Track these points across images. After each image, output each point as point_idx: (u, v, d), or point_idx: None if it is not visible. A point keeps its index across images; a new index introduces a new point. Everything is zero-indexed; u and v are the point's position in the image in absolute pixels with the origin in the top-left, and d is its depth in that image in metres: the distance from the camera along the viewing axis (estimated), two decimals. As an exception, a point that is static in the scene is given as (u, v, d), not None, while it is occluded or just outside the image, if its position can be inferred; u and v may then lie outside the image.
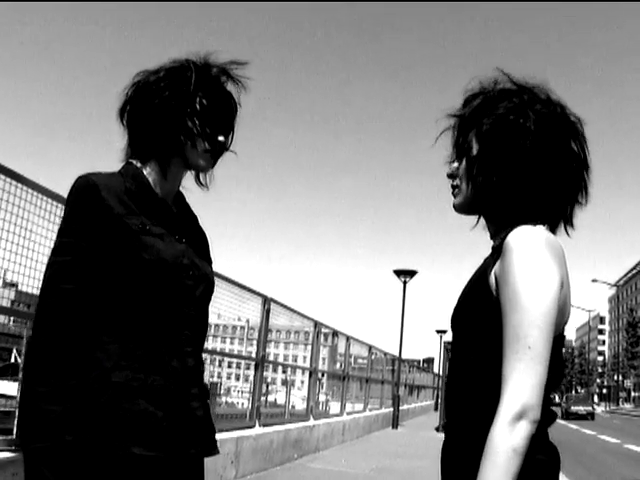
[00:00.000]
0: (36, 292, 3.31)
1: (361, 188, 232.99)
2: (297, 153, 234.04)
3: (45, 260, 1.59)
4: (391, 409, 19.25)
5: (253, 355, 8.46)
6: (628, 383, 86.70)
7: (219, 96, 1.64)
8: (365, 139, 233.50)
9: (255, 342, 8.43)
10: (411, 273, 21.98)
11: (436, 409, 30.96)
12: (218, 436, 1.66)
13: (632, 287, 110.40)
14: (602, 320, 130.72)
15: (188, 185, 1.73)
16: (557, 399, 48.51)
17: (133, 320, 1.50)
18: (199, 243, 1.71)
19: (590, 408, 37.42)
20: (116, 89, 1.66)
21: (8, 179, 3.68)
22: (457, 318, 1.36)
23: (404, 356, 22.52)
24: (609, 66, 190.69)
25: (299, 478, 7.86)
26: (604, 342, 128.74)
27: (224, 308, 7.11)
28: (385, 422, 18.51)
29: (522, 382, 1.12)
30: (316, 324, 11.13)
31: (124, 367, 1.47)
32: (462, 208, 1.41)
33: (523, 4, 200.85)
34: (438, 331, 44.70)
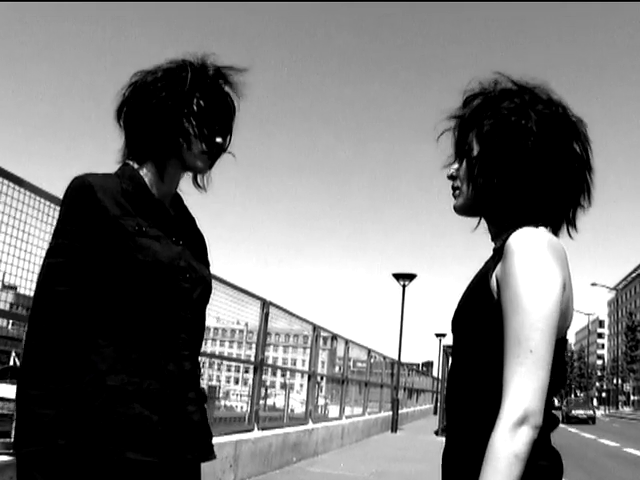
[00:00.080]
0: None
1: (360, 190, 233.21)
2: (296, 155, 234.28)
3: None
4: (390, 413, 19.23)
5: (252, 358, 8.45)
6: (627, 387, 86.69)
7: (217, 97, 1.63)
8: (365, 141, 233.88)
9: (254, 345, 8.42)
10: (410, 277, 22.01)
11: (435, 413, 30.93)
12: (216, 440, 1.64)
13: (631, 291, 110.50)
14: (601, 324, 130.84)
15: (186, 188, 1.72)
16: (557, 403, 48.47)
17: (129, 323, 1.48)
18: (197, 245, 1.69)
19: (591, 412, 37.11)
20: (115, 90, 1.65)
21: (7, 182, 3.68)
22: (458, 321, 1.34)
23: (403, 360, 22.54)
24: (609, 67, 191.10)
25: (298, 482, 7.83)
26: (603, 346, 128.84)
27: (223, 311, 7.11)
28: (384, 426, 18.49)
29: (524, 387, 1.11)
30: (315, 328, 11.13)
31: (119, 370, 1.45)
32: (463, 210, 1.39)
33: (523, 4, 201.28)
34: (437, 335, 44.76)
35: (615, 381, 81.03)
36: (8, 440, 3.57)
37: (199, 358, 1.67)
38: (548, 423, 1.17)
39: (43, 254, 1.50)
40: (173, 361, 1.52)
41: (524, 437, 1.09)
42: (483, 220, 1.41)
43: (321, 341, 11.76)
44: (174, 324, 1.53)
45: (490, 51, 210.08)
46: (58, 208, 3.68)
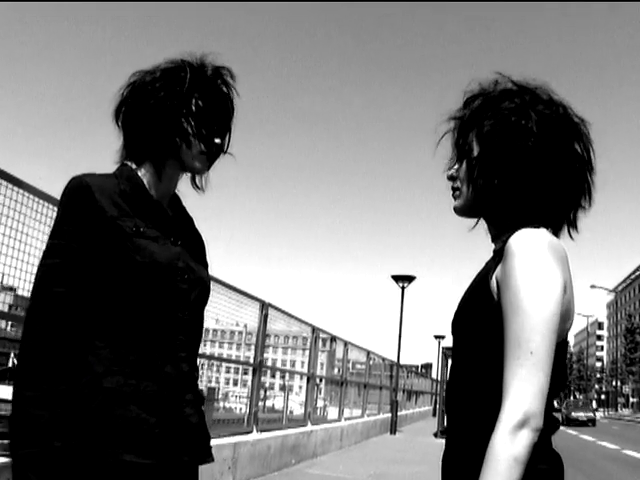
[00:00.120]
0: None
1: (360, 192, 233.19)
2: (295, 156, 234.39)
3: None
4: (389, 414, 19.22)
5: (251, 360, 8.45)
6: (626, 389, 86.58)
7: (215, 97, 1.62)
8: (364, 142, 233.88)
9: (253, 347, 8.41)
10: (409, 279, 22.01)
11: (434, 415, 30.91)
12: (215, 442, 1.64)
13: (630, 293, 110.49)
14: (600, 326, 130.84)
15: (184, 190, 1.71)
16: (556, 405, 48.39)
17: (126, 324, 1.47)
18: (195, 246, 1.68)
19: (591, 414, 36.75)
20: (114, 91, 1.64)
21: (6, 183, 3.68)
22: (458, 323, 1.33)
23: (402, 361, 22.55)
24: (609, 67, 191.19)
25: (297, 484, 7.82)
26: (602, 348, 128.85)
27: (222, 313, 7.12)
28: (383, 428, 18.47)
29: (524, 389, 1.10)
30: (314, 329, 11.13)
31: (115, 372, 1.44)
32: (463, 211, 1.39)
33: (523, 4, 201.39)
34: (436, 336, 44.76)
35: (614, 383, 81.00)
36: (7, 441, 3.56)
37: (197, 360, 1.66)
38: (549, 426, 1.17)
39: (42, 255, 1.49)
40: (170, 363, 1.51)
41: (524, 440, 1.08)
42: (482, 221, 1.40)
43: (320, 343, 11.76)
44: (172, 325, 1.52)
45: (490, 51, 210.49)
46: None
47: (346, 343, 13.94)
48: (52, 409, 1.37)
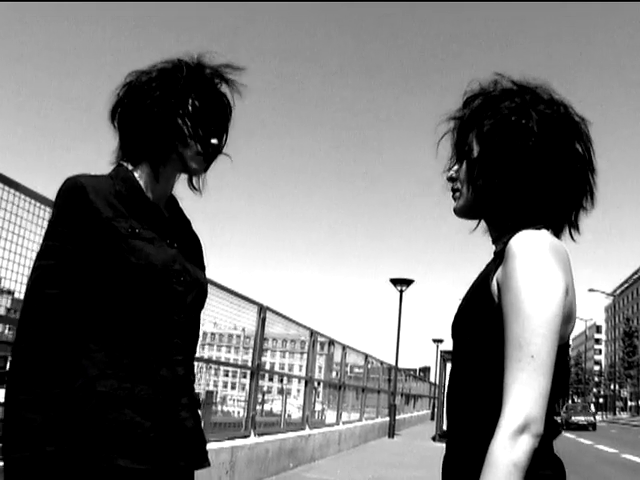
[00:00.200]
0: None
1: (358, 194, 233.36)
2: (293, 158, 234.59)
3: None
4: (387, 418, 19.20)
5: (249, 364, 8.43)
6: (624, 392, 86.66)
7: (212, 97, 1.60)
8: (363, 144, 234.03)
9: (251, 351, 8.40)
10: (408, 282, 21.99)
11: (432, 418, 30.89)
12: (213, 445, 1.62)
13: (629, 296, 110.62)
14: (598, 329, 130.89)
15: (181, 191, 1.70)
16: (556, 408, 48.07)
17: (121, 327, 1.45)
18: (192, 248, 1.66)
19: (591, 418, 36.28)
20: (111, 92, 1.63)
21: (2, 185, 3.66)
22: (458, 325, 1.31)
23: (400, 365, 22.51)
24: (609, 67, 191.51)
25: (295, 488, 7.79)
26: (600, 351, 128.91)
27: (220, 317, 7.11)
28: (381, 431, 18.45)
29: (524, 393, 1.08)
30: (312, 333, 11.12)
31: (109, 376, 1.42)
32: (463, 212, 1.37)
33: (523, 4, 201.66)
34: (435, 340, 44.74)
35: (612, 387, 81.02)
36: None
37: (194, 363, 1.64)
38: (550, 431, 1.15)
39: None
40: (166, 366, 1.49)
41: (524, 445, 1.06)
42: (483, 223, 1.39)
43: (318, 346, 11.74)
44: (167, 328, 1.50)
45: (490, 51, 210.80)
46: (54, 211, 3.69)
47: (344, 347, 13.92)
48: (45, 413, 1.35)
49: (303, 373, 11.44)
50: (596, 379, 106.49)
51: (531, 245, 1.15)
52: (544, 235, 1.18)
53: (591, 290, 67.52)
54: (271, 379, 13.61)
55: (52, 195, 1.49)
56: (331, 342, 13.01)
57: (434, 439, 18.17)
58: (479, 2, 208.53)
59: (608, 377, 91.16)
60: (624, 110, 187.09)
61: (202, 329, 1.69)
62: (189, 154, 1.57)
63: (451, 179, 1.38)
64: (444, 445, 1.33)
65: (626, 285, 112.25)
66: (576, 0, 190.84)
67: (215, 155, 1.64)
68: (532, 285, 1.12)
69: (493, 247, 1.34)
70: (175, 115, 1.55)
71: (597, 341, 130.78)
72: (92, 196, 1.45)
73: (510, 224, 1.26)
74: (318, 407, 13.53)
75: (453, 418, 1.29)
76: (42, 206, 3.89)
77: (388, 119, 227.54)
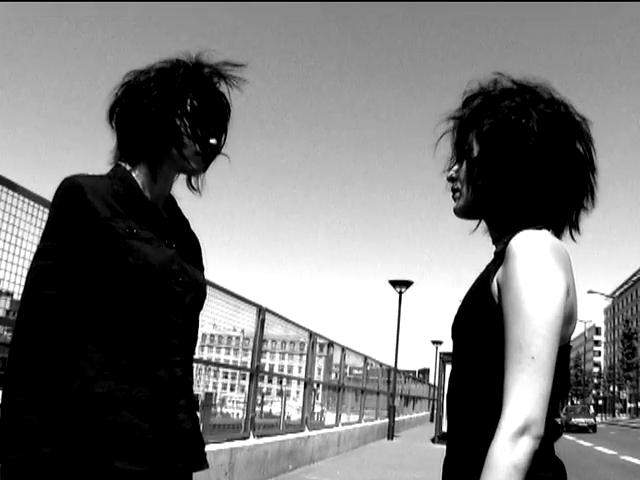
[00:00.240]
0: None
1: (358, 194, 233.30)
2: (292, 158, 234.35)
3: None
4: (386, 420, 19.19)
5: (248, 365, 8.42)
6: (624, 394, 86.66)
7: (211, 97, 1.60)
8: (363, 144, 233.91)
9: (250, 352, 8.39)
10: (407, 283, 21.99)
11: (432, 420, 30.87)
12: (211, 447, 1.61)
13: (628, 298, 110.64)
14: (598, 331, 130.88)
15: (180, 191, 1.69)
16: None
17: (118, 328, 1.44)
18: (190, 249, 1.65)
19: (591, 420, 35.87)
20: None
21: (1, 187, 3.65)
22: (458, 326, 1.30)
23: (400, 367, 22.50)
24: (609, 67, 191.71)
25: (294, 490, 7.78)
26: (600, 353, 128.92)
27: (219, 318, 7.11)
28: (380, 433, 18.44)
29: (525, 395, 1.07)
30: (311, 334, 11.11)
31: (107, 377, 1.42)
32: (463, 212, 1.36)
33: (523, 4, 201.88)
34: (434, 342, 44.69)
35: (611, 388, 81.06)
36: None
37: (193, 364, 1.63)
38: (551, 433, 1.14)
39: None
40: (164, 367, 1.48)
41: (524, 447, 1.05)
42: (483, 223, 1.38)
43: (317, 348, 11.74)
44: (165, 329, 1.50)
45: (490, 51, 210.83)
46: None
47: (343, 348, 13.91)
48: (42, 414, 1.35)
49: (302, 375, 11.44)
50: (595, 381, 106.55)
51: (532, 245, 1.15)
52: (545, 235, 1.17)
53: (590, 292, 67.56)
54: (270, 381, 13.62)
55: (50, 195, 1.48)
56: (330, 344, 13.00)
57: (433, 441, 18.17)
58: (479, 2, 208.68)
59: (607, 379, 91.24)
60: (624, 110, 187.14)
61: (201, 331, 1.68)
62: (188, 154, 1.56)
63: (451, 179, 1.37)
64: (443, 447, 1.32)
65: (625, 287, 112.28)
66: (576, 0, 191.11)
67: (214, 155, 1.63)
68: (533, 286, 1.11)
69: (493, 247, 1.33)
70: (173, 115, 1.54)
71: (596, 343, 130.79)
72: (90, 196, 1.45)
73: (510, 224, 1.25)
74: (317, 409, 13.52)
75: (453, 420, 1.28)
76: (40, 207, 3.88)
77: (388, 119, 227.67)
